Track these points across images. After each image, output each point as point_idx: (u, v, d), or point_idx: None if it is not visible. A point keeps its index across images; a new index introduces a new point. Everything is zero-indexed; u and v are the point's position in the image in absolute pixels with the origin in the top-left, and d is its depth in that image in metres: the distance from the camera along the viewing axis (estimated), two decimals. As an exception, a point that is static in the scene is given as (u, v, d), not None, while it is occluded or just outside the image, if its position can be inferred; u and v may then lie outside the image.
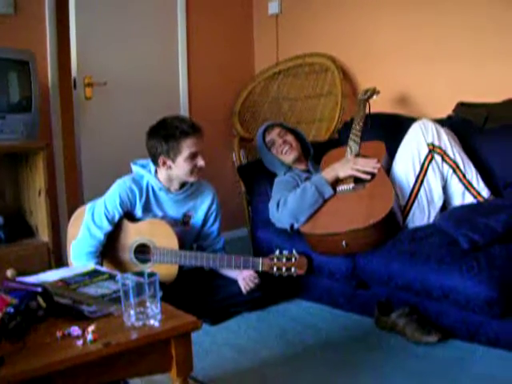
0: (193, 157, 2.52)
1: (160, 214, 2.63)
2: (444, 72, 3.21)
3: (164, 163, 2.55)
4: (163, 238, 2.55)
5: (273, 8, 4.07)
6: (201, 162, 2.54)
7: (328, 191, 2.60)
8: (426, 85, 3.30)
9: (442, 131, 2.61)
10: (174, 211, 2.66)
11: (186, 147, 2.50)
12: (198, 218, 2.72)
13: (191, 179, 2.59)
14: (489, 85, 3.00)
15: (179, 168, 2.54)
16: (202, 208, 2.72)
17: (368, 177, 2.61)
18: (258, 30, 4.25)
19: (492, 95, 2.90)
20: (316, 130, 3.71)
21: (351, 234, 2.42)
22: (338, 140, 3.32)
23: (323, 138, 3.54)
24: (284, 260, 2.53)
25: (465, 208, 2.51)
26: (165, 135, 2.51)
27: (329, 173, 2.67)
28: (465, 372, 2.01)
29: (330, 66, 3.70)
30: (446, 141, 2.58)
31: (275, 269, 2.53)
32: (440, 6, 3.21)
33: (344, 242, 2.42)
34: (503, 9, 2.94)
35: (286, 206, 2.63)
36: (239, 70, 4.20)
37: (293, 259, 2.53)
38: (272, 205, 2.73)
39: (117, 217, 2.56)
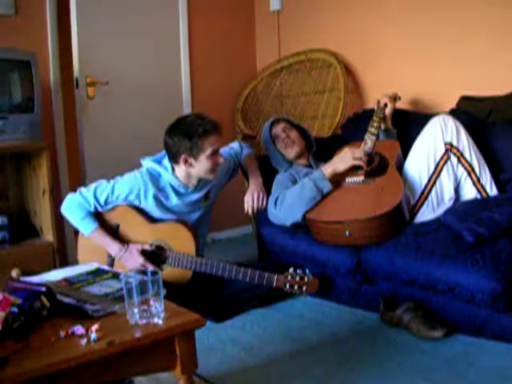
0: (214, 154, 2.55)
1: (184, 209, 2.65)
2: (447, 67, 3.19)
3: (186, 161, 2.53)
4: (181, 242, 2.55)
5: (274, 4, 4.06)
6: (221, 159, 2.57)
7: (327, 186, 2.58)
8: (430, 79, 3.28)
9: (462, 130, 2.54)
10: (196, 197, 2.68)
11: (209, 145, 2.51)
12: (218, 186, 2.82)
13: (211, 177, 2.61)
14: (493, 78, 2.98)
15: (201, 165, 2.54)
16: (221, 178, 2.81)
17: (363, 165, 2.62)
18: (260, 26, 4.24)
19: (496, 89, 2.88)
20: (319, 126, 3.70)
21: (356, 223, 2.41)
22: (342, 136, 3.31)
23: (326, 133, 3.53)
24: (297, 278, 2.52)
25: (469, 203, 2.49)
26: (187, 133, 2.49)
27: (328, 168, 2.65)
28: (471, 367, 2.00)
29: (332, 62, 3.69)
30: (465, 141, 2.52)
31: (288, 286, 2.53)
32: (442, 2, 3.19)
33: (347, 232, 2.42)
34: (504, 4, 2.92)
35: (284, 202, 2.63)
36: (241, 67, 4.19)
37: (306, 279, 2.52)
38: (270, 202, 2.73)
39: (114, 205, 2.57)
